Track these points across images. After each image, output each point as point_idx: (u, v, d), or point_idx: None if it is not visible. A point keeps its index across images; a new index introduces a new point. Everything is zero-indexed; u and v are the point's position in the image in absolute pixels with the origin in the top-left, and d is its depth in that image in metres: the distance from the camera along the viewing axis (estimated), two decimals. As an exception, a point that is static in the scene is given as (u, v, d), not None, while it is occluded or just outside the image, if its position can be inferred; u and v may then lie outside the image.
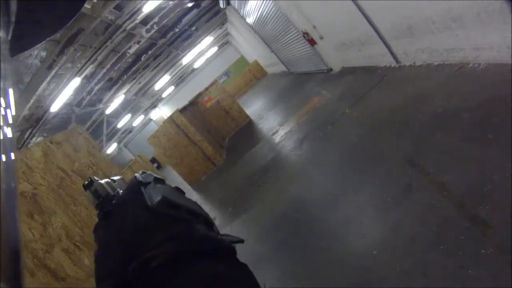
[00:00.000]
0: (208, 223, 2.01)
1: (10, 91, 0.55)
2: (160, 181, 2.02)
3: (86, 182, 1.98)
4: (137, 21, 10.34)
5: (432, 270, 2.81)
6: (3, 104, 0.50)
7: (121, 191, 2.09)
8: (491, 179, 3.06)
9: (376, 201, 4.10)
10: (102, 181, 2.06)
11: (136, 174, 2.08)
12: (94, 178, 2.02)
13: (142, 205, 1.82)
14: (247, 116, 14.42)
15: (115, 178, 2.21)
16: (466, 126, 3.99)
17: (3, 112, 0.50)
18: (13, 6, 0.65)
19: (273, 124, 11.14)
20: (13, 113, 0.55)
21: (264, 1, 12.02)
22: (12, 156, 0.48)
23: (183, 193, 2.04)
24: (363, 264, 3.37)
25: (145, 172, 2.11)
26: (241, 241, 2.06)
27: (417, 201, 3.54)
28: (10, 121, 0.52)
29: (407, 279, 2.89)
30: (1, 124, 0.48)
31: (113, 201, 1.97)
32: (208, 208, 8.85)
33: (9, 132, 0.50)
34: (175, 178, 14.23)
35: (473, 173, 3.31)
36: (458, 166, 3.53)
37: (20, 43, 0.88)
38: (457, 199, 3.25)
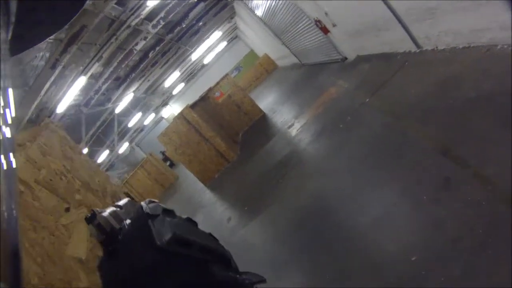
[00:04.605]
0: (225, 259, 1.79)
1: (10, 91, 0.57)
2: (169, 213, 1.78)
3: (89, 215, 1.76)
4: (141, 17, 10.07)
5: (483, 276, 2.46)
6: (2, 103, 0.51)
7: (128, 222, 1.83)
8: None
9: (410, 199, 3.70)
10: (106, 213, 1.80)
11: (143, 204, 1.79)
12: (97, 211, 1.77)
13: (150, 243, 1.58)
14: (260, 110, 14.06)
15: (121, 203, 1.94)
16: (505, 112, 3.59)
17: (1, 111, 0.50)
18: (13, 6, 0.68)
19: (288, 117, 10.76)
20: (13, 114, 0.56)
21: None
22: (12, 157, 0.49)
23: (196, 224, 1.83)
24: (401, 271, 3.00)
25: (153, 201, 1.86)
26: (263, 281, 1.83)
27: (458, 197, 3.14)
28: (9, 121, 0.53)
29: (454, 289, 2.53)
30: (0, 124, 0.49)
31: (119, 237, 1.73)
32: (223, 208, 8.55)
33: (7, 132, 0.50)
34: (188, 176, 14.02)
35: (520, 163, 2.93)
36: (501, 156, 3.13)
37: (20, 43, 0.91)
38: (505, 193, 2.87)
